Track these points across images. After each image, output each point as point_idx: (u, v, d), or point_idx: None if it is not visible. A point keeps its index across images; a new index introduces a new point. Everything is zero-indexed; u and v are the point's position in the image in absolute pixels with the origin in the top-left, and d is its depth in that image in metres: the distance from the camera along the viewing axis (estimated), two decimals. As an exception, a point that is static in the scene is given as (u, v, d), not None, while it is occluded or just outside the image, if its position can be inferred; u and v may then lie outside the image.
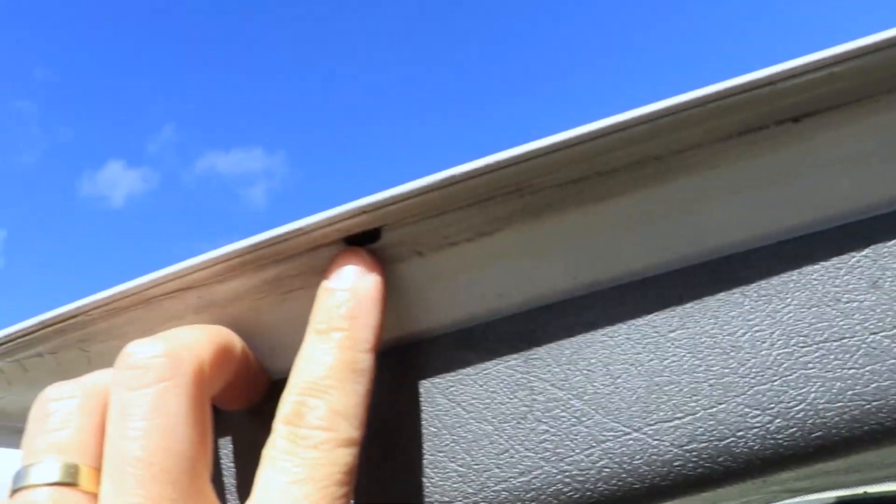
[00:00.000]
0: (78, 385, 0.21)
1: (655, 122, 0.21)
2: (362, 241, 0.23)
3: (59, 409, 0.21)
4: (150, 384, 0.20)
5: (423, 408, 0.24)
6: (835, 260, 0.22)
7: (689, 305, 0.23)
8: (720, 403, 0.22)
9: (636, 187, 0.22)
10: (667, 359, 0.22)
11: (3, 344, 0.24)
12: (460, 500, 0.23)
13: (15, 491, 0.19)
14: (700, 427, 0.22)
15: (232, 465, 0.26)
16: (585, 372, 0.23)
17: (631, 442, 0.22)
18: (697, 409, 0.22)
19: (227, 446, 0.26)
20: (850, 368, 0.21)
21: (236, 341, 0.24)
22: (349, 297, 0.22)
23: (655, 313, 0.23)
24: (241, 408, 0.25)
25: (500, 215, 0.23)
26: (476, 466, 0.23)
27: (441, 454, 0.24)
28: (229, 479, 0.26)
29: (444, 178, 0.21)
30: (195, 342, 0.22)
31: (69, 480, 0.19)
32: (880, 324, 0.21)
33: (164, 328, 0.23)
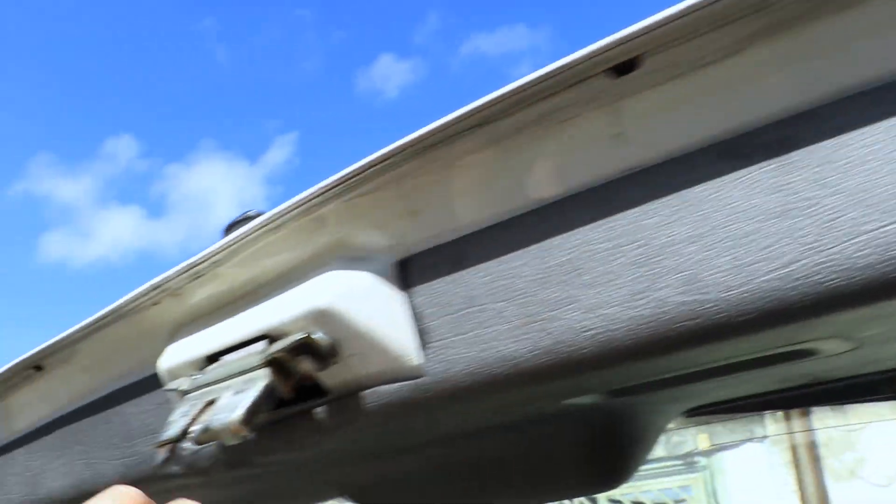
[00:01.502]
0: None
1: None
2: (624, 69, 0.27)
3: None
4: None
5: (689, 211, 0.27)
6: None
7: None
8: None
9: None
10: None
11: None
12: (723, 292, 0.26)
13: None
14: None
15: None
16: (843, 170, 0.24)
17: (892, 231, 0.23)
18: None
19: None
20: None
21: None
22: None
23: None
24: None
25: (746, 34, 0.24)
26: (744, 260, 0.26)
27: (711, 251, 0.27)
28: None
29: (692, 4, 0.24)
30: None
31: None
32: None
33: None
